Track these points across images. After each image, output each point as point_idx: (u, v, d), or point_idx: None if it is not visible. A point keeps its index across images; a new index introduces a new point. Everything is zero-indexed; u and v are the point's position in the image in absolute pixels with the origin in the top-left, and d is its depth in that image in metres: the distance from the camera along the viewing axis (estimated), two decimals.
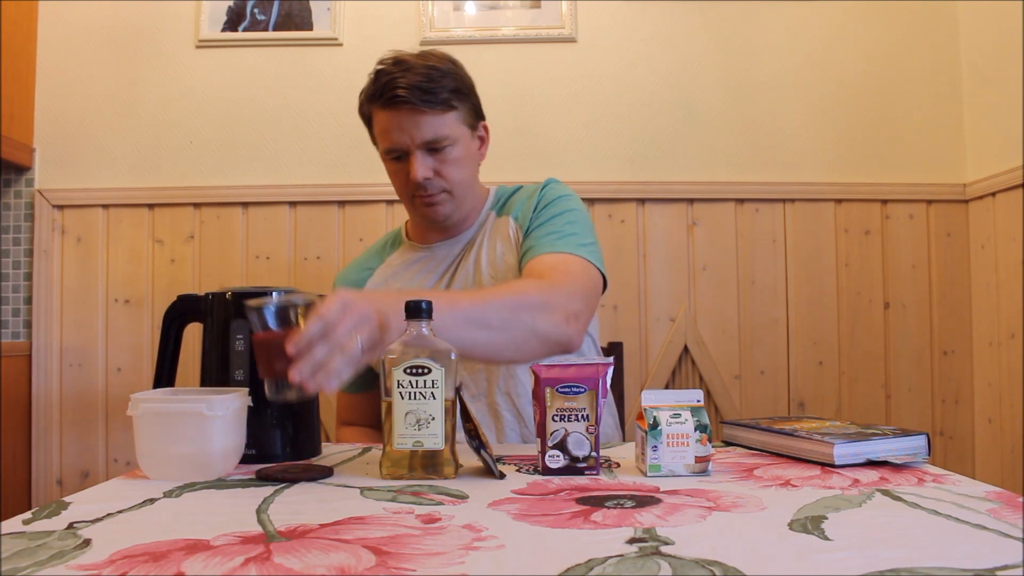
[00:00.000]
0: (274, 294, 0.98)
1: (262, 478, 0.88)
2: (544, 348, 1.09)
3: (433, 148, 1.25)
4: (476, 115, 1.33)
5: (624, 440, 1.41)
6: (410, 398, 0.86)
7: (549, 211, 1.30)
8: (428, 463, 0.87)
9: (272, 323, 0.89)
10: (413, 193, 1.28)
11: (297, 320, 0.89)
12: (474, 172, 1.34)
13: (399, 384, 0.86)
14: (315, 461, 0.92)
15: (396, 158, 1.28)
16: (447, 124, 1.25)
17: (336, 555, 0.58)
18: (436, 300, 0.93)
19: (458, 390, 0.90)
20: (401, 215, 1.98)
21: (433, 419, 0.86)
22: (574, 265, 1.21)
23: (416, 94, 1.21)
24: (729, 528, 0.66)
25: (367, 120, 1.31)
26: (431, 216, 1.31)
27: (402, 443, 0.86)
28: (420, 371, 0.86)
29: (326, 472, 0.91)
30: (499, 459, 1.01)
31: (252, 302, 0.90)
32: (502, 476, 0.88)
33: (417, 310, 0.88)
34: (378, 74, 1.26)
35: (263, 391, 0.90)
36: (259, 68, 2.02)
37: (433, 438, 0.87)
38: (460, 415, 0.91)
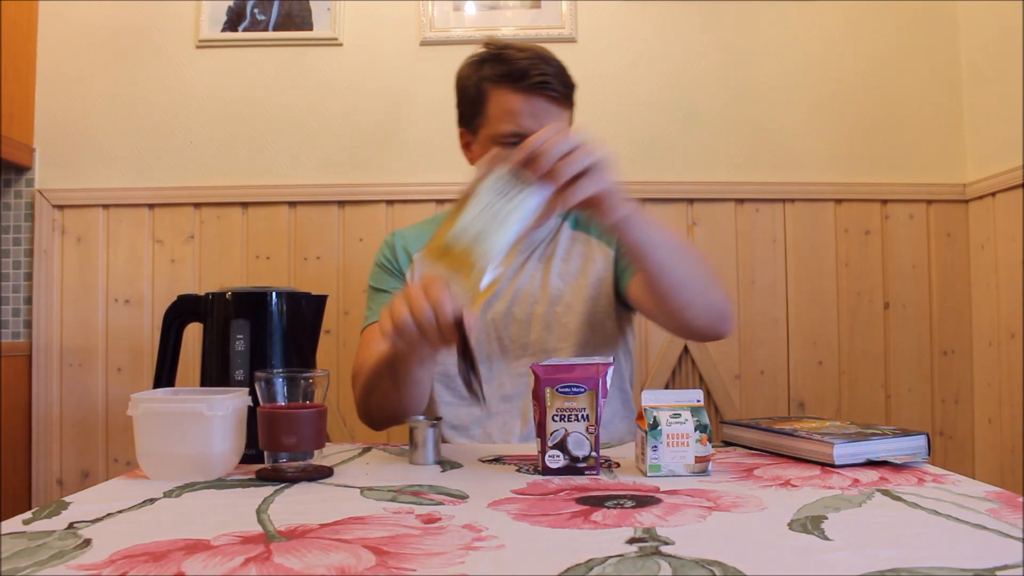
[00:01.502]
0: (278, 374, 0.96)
1: (262, 478, 0.88)
2: (711, 315, 1.14)
3: None
4: (572, 117, 1.32)
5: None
6: (486, 209, 0.83)
7: None
8: (464, 265, 0.84)
9: (279, 395, 0.90)
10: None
11: (303, 394, 0.91)
12: None
13: (480, 195, 0.83)
14: (315, 461, 0.92)
15: (513, 143, 1.22)
16: (565, 120, 1.26)
17: (336, 555, 0.58)
18: (651, 216, 0.98)
19: (460, 323, 0.89)
20: (401, 215, 1.99)
21: (491, 236, 0.83)
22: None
23: (557, 84, 1.22)
24: (729, 528, 0.66)
25: (478, 99, 1.27)
26: None
27: (455, 236, 0.83)
28: (507, 195, 0.83)
29: (326, 472, 0.91)
30: (499, 458, 1.01)
31: (260, 374, 0.91)
32: (483, 400, 0.93)
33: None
34: (504, 56, 1.24)
35: (261, 392, 0.91)
36: (259, 68, 2.02)
37: (483, 249, 0.83)
38: (461, 344, 0.91)
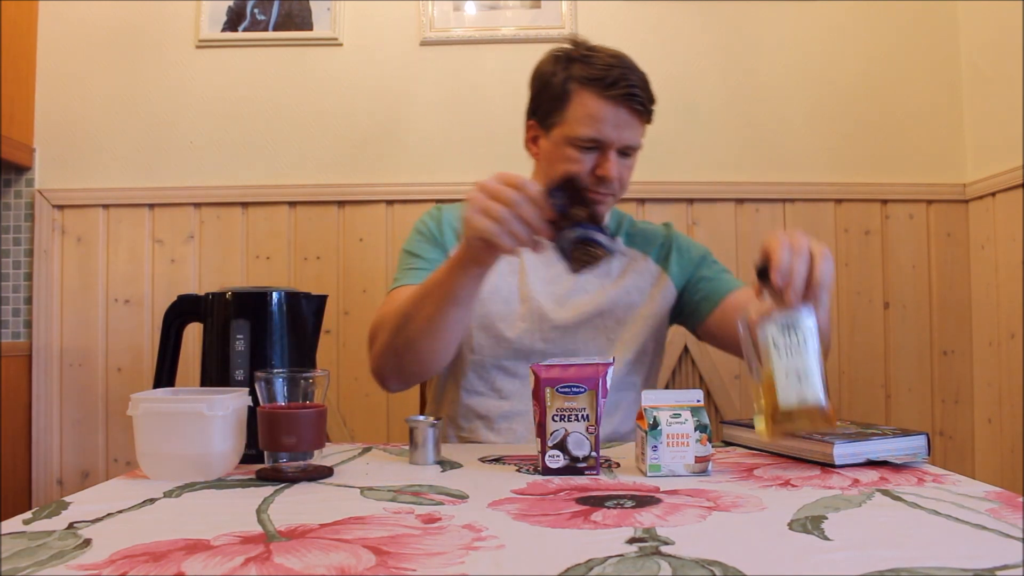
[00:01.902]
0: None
1: (262, 478, 0.88)
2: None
3: (625, 153, 1.25)
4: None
5: None
6: (788, 355, 0.87)
7: (709, 260, 1.39)
8: (811, 416, 0.88)
9: (279, 395, 0.90)
10: (585, 185, 1.24)
11: (303, 394, 0.91)
12: None
13: (775, 343, 0.87)
14: (315, 461, 0.92)
15: (589, 149, 1.24)
16: (641, 133, 1.27)
17: (336, 555, 0.58)
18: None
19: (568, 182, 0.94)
20: (401, 215, 1.99)
21: (810, 373, 0.87)
22: None
23: (643, 99, 1.23)
24: (729, 528, 0.66)
25: (562, 96, 1.25)
26: (590, 213, 1.31)
27: (787, 400, 0.87)
28: (791, 330, 0.87)
29: (326, 472, 0.91)
30: (499, 458, 1.01)
31: (260, 374, 0.91)
32: (610, 252, 0.94)
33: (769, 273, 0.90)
34: (596, 60, 1.22)
35: (261, 392, 0.91)
36: (259, 68, 2.02)
37: (813, 389, 0.87)
38: (562, 202, 0.93)
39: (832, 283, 0.93)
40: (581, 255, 0.98)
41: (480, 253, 1.03)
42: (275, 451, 0.90)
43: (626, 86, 1.20)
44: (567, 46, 1.28)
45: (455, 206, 1.44)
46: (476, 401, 1.31)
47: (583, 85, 1.22)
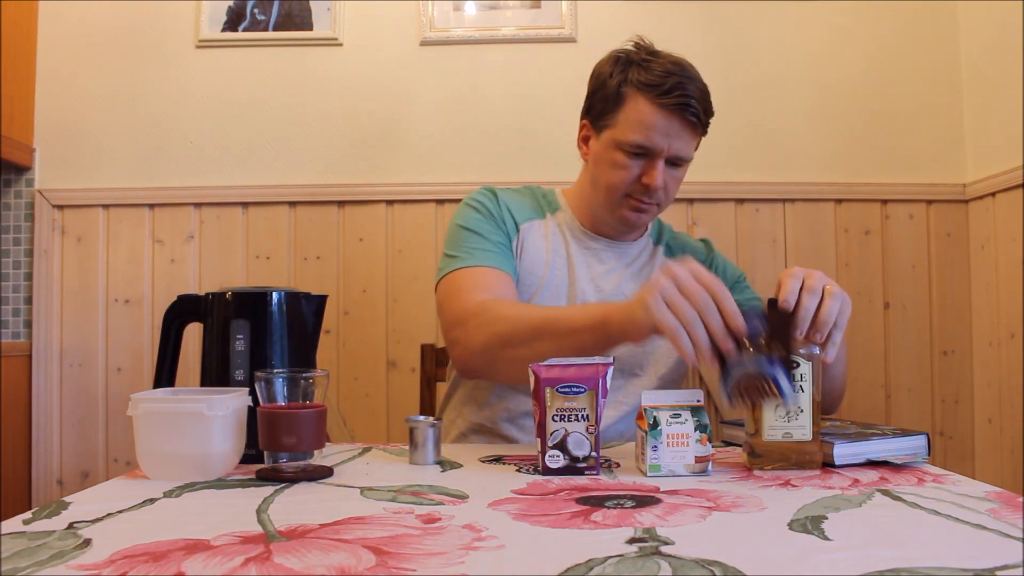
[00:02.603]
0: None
1: (262, 478, 0.88)
2: (834, 405, 1.24)
3: (675, 163, 1.24)
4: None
5: None
6: None
7: (740, 280, 1.41)
8: (796, 453, 0.91)
9: (279, 395, 0.90)
10: (630, 192, 1.24)
11: (303, 394, 0.91)
12: None
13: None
14: (315, 461, 0.92)
15: (638, 155, 1.22)
16: (694, 146, 1.25)
17: (336, 555, 0.58)
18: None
19: (772, 303, 0.91)
20: (401, 215, 1.99)
21: (802, 411, 0.91)
22: None
23: (698, 110, 1.20)
24: (729, 528, 0.66)
25: (616, 99, 1.23)
26: (632, 220, 1.28)
27: (772, 435, 0.91)
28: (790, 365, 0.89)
29: (326, 472, 0.91)
30: (499, 458, 1.01)
31: (260, 374, 0.91)
32: (795, 395, 0.90)
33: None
34: (654, 65, 1.20)
35: (261, 392, 0.91)
36: (259, 68, 2.02)
37: (802, 429, 0.91)
38: (762, 327, 0.89)
39: (845, 323, 0.97)
40: (752, 391, 0.88)
41: (642, 336, 0.97)
42: (275, 451, 0.90)
43: (682, 95, 1.18)
44: (629, 47, 1.26)
45: (503, 188, 1.38)
46: (516, 401, 1.27)
47: (639, 90, 1.21)
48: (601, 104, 1.26)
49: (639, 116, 1.20)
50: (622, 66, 1.24)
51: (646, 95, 1.20)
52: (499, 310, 1.15)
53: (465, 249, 1.25)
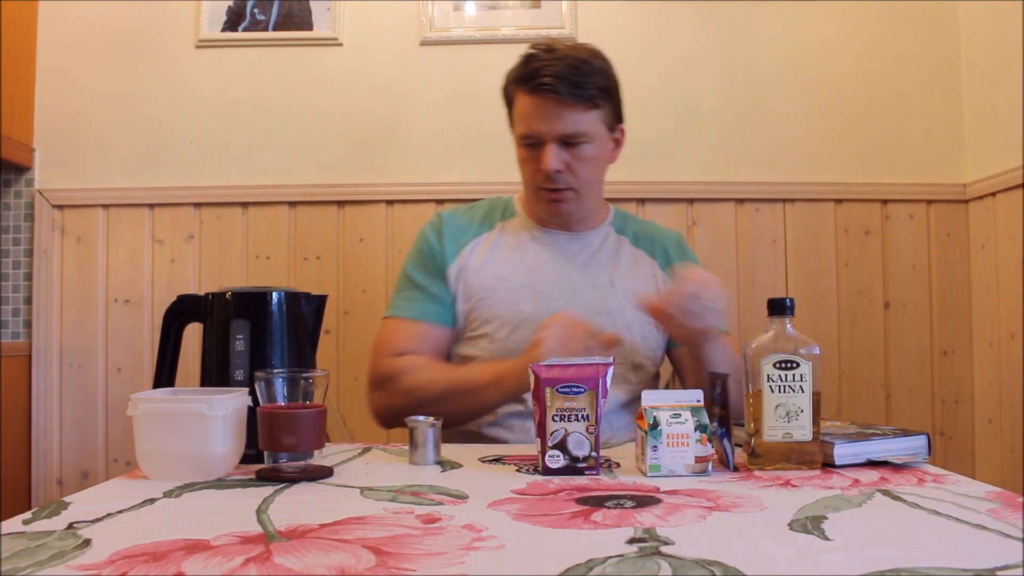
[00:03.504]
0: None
1: (262, 478, 0.88)
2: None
3: (569, 142, 1.25)
4: (617, 117, 1.32)
5: None
6: (780, 391, 0.91)
7: None
8: (796, 453, 0.91)
9: (279, 395, 0.90)
10: (540, 184, 1.29)
11: (303, 394, 0.91)
12: (603, 173, 1.36)
13: (769, 378, 0.91)
14: (315, 461, 0.92)
15: (530, 145, 1.27)
16: (588, 121, 1.25)
17: (336, 555, 0.58)
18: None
19: (723, 378, 0.94)
20: (401, 215, 1.99)
21: (802, 411, 0.91)
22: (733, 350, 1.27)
23: (564, 85, 1.21)
24: (729, 528, 0.66)
25: (509, 101, 1.31)
26: (553, 212, 1.32)
27: (772, 435, 0.91)
28: (789, 365, 0.91)
29: (326, 472, 0.91)
30: (499, 458, 1.01)
31: (260, 374, 0.91)
32: (735, 469, 0.91)
33: (781, 307, 0.93)
34: (528, 58, 1.25)
35: (261, 392, 0.91)
36: (259, 68, 2.02)
37: (802, 430, 0.91)
38: (717, 400, 0.93)
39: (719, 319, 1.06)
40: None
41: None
42: (275, 451, 0.90)
43: (539, 75, 1.21)
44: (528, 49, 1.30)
45: (456, 210, 1.46)
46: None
47: (516, 86, 1.27)
48: (507, 109, 1.33)
49: (520, 109, 1.27)
50: (509, 72, 1.30)
51: (520, 88, 1.26)
52: (408, 380, 1.26)
53: (402, 295, 1.36)
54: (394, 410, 1.24)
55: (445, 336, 1.34)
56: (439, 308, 1.34)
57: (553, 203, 1.30)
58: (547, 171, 1.24)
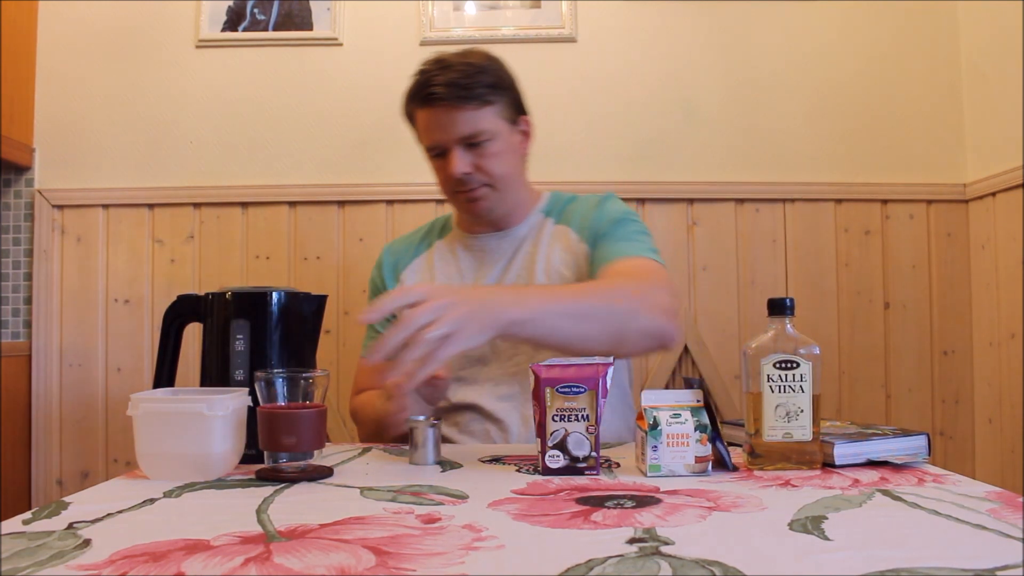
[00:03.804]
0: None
1: (262, 478, 0.88)
2: (644, 340, 1.11)
3: (472, 143, 1.27)
4: (516, 109, 1.34)
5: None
6: (780, 391, 0.91)
7: (619, 223, 1.32)
8: (796, 453, 0.91)
9: (279, 395, 0.90)
10: (455, 189, 1.31)
11: (303, 394, 0.92)
12: (517, 166, 1.36)
13: (769, 378, 0.91)
14: (315, 461, 0.92)
15: (438, 155, 1.30)
16: (484, 119, 1.27)
17: (336, 555, 0.58)
18: (537, 292, 1.03)
19: (700, 382, 0.94)
20: (401, 215, 1.99)
21: (802, 411, 0.91)
22: (654, 266, 1.24)
23: (452, 91, 1.23)
24: (729, 528, 0.66)
25: (411, 120, 1.34)
26: (474, 211, 1.33)
27: (772, 435, 0.92)
28: (789, 365, 0.91)
29: (326, 472, 0.91)
30: (499, 458, 1.01)
31: (260, 374, 0.91)
32: (735, 469, 0.91)
33: (781, 307, 0.93)
34: (418, 75, 1.29)
35: (261, 392, 0.91)
36: (259, 68, 2.02)
37: (802, 430, 0.91)
38: (707, 409, 0.92)
39: (459, 335, 0.88)
40: None
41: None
42: (275, 451, 0.90)
43: (428, 86, 1.25)
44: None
45: (398, 238, 1.52)
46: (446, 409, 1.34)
47: (411, 104, 1.31)
48: (413, 132, 1.35)
49: (419, 124, 1.31)
50: (405, 93, 1.32)
51: (415, 105, 1.30)
52: (359, 417, 1.37)
53: (366, 336, 1.46)
54: (365, 440, 1.32)
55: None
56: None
57: (471, 203, 1.32)
58: (455, 176, 1.27)
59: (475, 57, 1.28)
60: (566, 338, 1.02)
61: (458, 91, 1.24)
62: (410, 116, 1.33)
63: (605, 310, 1.07)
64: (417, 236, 1.49)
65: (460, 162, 1.27)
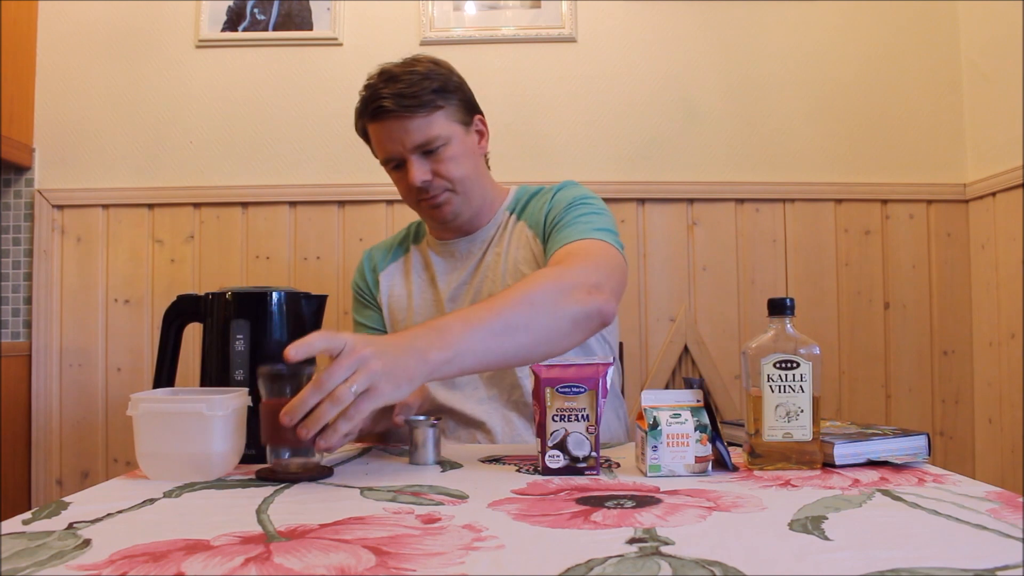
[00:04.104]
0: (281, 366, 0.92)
1: (262, 478, 0.88)
2: (577, 329, 1.06)
3: (427, 150, 1.26)
4: (468, 110, 1.32)
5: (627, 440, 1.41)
6: (780, 391, 0.91)
7: (563, 210, 1.29)
8: (796, 453, 0.92)
9: (282, 389, 0.90)
10: (418, 198, 1.30)
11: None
12: (476, 167, 1.34)
13: (769, 378, 0.91)
14: (315, 460, 0.92)
15: (396, 167, 1.29)
16: (435, 124, 1.25)
17: (336, 555, 0.58)
18: (456, 319, 0.96)
19: (701, 382, 0.94)
20: (401, 214, 1.99)
21: (802, 411, 0.91)
22: (589, 246, 1.20)
23: (398, 101, 1.23)
24: (729, 528, 0.66)
25: (364, 136, 1.34)
26: (439, 217, 1.32)
27: (772, 435, 0.92)
28: (789, 365, 0.91)
29: (326, 472, 0.91)
30: (499, 458, 1.01)
31: (263, 369, 0.90)
32: (735, 469, 0.91)
33: (781, 307, 0.93)
34: (365, 89, 1.29)
35: (263, 386, 0.90)
36: (259, 68, 2.02)
37: (802, 430, 0.91)
38: (707, 410, 0.92)
39: (358, 417, 0.83)
40: None
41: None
42: (277, 446, 0.89)
43: (376, 100, 1.25)
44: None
45: (382, 243, 1.52)
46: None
47: (362, 119, 1.30)
48: (369, 147, 1.35)
49: (374, 139, 1.30)
50: (355, 110, 1.32)
51: (365, 120, 1.29)
52: None
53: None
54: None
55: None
56: (378, 329, 1.42)
57: (435, 209, 1.31)
58: (416, 184, 1.26)
59: (419, 65, 1.28)
60: (500, 358, 0.99)
61: (405, 100, 1.23)
62: (363, 132, 1.33)
63: (527, 315, 1.01)
64: (395, 240, 1.50)
65: (418, 171, 1.25)
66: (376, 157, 1.34)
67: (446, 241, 1.39)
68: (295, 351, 0.83)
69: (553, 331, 1.04)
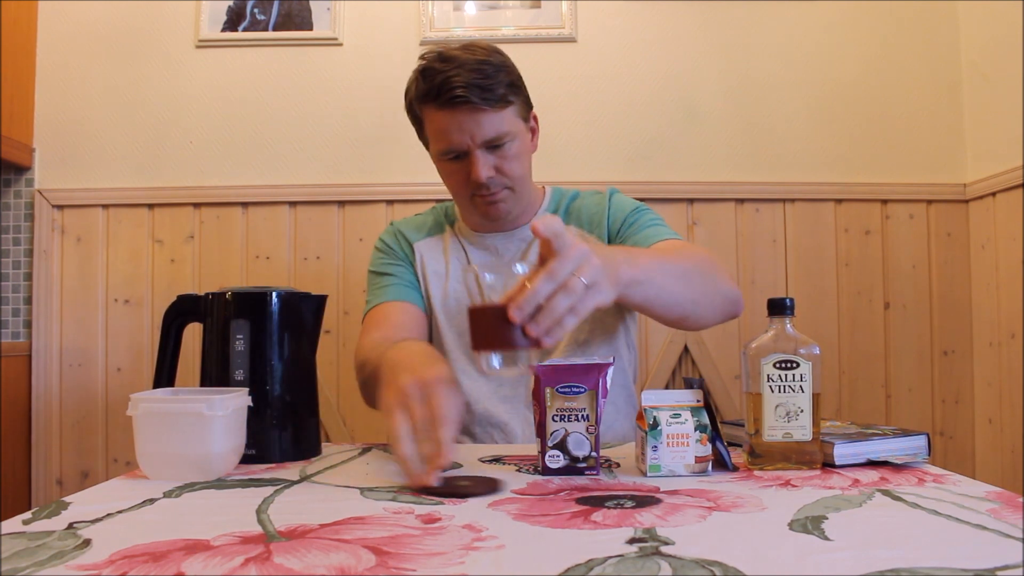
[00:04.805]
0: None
1: (426, 492, 0.80)
2: (725, 306, 1.13)
3: (493, 145, 1.22)
4: (528, 106, 1.30)
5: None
6: (780, 391, 0.91)
7: (636, 212, 1.31)
8: (796, 453, 0.92)
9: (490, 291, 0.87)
10: (474, 192, 1.26)
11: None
12: (530, 165, 1.32)
13: (769, 378, 0.92)
14: (315, 463, 0.92)
15: (454, 158, 1.24)
16: (506, 120, 1.22)
17: (336, 555, 0.58)
18: (639, 252, 1.03)
19: (701, 382, 0.94)
20: (401, 215, 1.98)
21: (802, 411, 0.91)
22: (687, 245, 1.23)
23: (475, 92, 1.17)
24: (729, 528, 0.66)
25: (417, 120, 1.28)
26: (492, 213, 1.29)
27: (772, 435, 0.92)
28: (789, 365, 0.91)
29: (498, 486, 0.83)
30: (499, 458, 1.01)
31: (471, 267, 0.88)
32: (735, 469, 0.92)
33: (781, 307, 0.93)
34: (426, 72, 1.21)
35: (263, 391, 0.90)
36: (259, 68, 2.02)
37: (802, 430, 0.91)
38: (707, 409, 0.92)
39: (576, 318, 0.79)
40: None
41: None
42: (492, 350, 0.81)
43: (450, 89, 1.17)
44: (421, 61, 1.25)
45: (407, 220, 1.47)
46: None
47: (423, 103, 1.23)
48: (416, 128, 1.30)
49: (433, 126, 1.23)
50: (411, 87, 1.26)
51: (428, 105, 1.22)
52: (364, 343, 1.23)
53: (372, 292, 1.38)
54: (362, 391, 1.26)
55: (415, 312, 1.34)
56: (411, 287, 1.36)
57: (491, 205, 1.27)
58: (481, 180, 1.22)
59: (485, 53, 1.22)
60: (671, 299, 1.01)
61: (481, 92, 1.18)
62: (417, 116, 1.27)
63: (699, 272, 1.08)
64: (425, 221, 1.44)
65: (483, 166, 1.21)
66: (425, 144, 1.29)
67: (483, 234, 1.36)
68: (543, 226, 0.78)
69: (714, 296, 1.10)
